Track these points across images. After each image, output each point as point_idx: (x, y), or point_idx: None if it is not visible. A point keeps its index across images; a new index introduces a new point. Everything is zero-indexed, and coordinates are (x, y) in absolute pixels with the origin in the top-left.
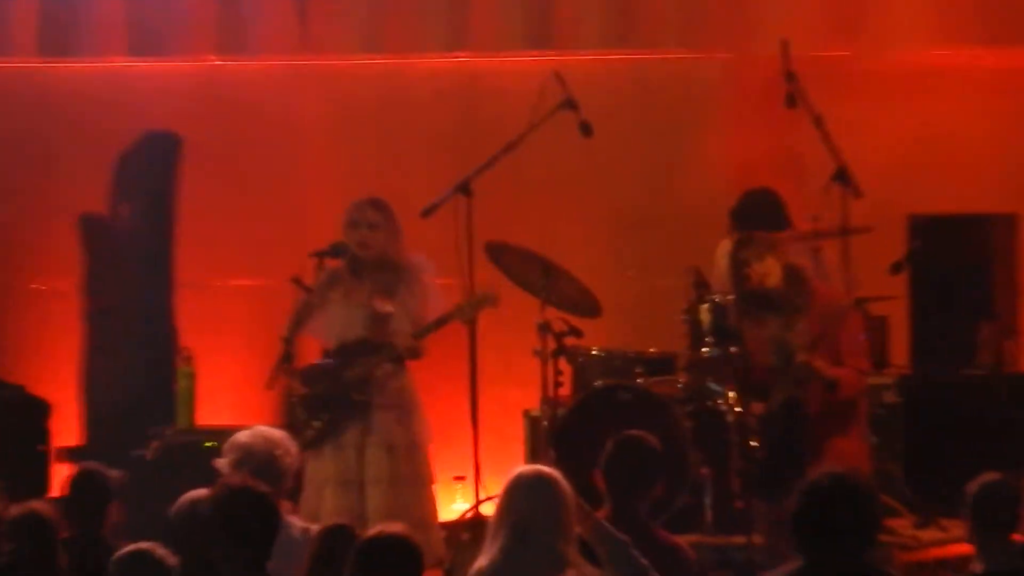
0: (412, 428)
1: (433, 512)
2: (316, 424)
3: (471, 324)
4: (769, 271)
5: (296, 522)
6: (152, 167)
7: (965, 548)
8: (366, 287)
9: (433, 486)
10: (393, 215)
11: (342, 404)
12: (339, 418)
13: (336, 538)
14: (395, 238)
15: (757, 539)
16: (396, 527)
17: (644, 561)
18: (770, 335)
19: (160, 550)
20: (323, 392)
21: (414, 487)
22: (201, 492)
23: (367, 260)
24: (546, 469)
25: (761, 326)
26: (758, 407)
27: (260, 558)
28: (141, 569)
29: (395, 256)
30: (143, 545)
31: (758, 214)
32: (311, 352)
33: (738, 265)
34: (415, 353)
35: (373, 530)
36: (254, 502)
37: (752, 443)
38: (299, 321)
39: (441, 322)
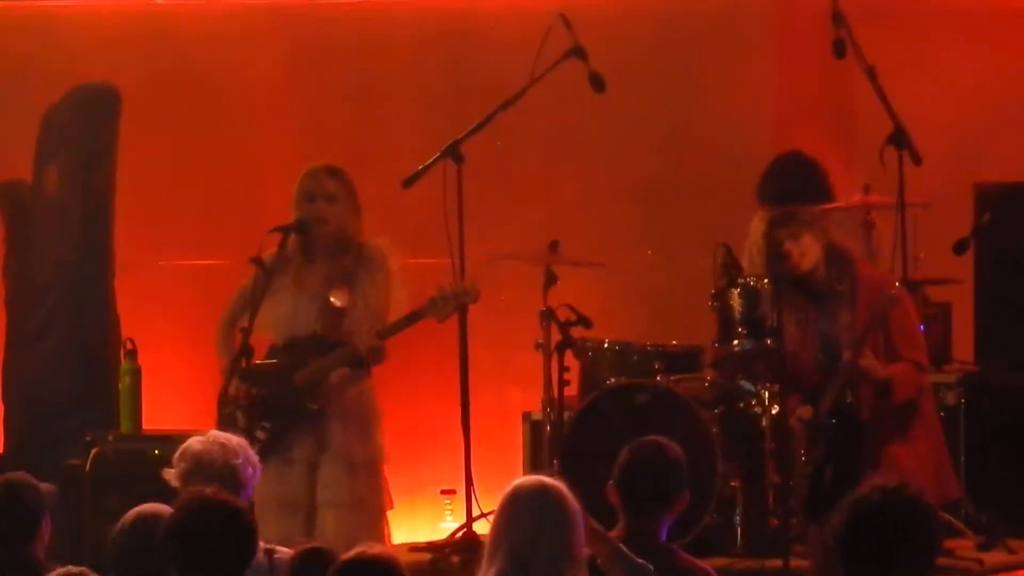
0: (371, 443)
1: (386, 541)
2: (259, 435)
3: (444, 321)
4: (806, 251)
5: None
6: (84, 126)
7: None
8: (319, 273)
9: (386, 511)
10: (353, 186)
11: (290, 412)
12: (286, 428)
13: (314, 563)
14: (355, 214)
15: (797, 563)
16: (378, 548)
17: None
18: (816, 329)
19: (93, 574)
20: (268, 397)
21: (372, 511)
22: (150, 507)
23: (322, 239)
24: (550, 481)
25: (802, 317)
26: (803, 411)
27: None
28: None
29: (355, 236)
30: (72, 570)
31: (788, 185)
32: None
33: (772, 245)
34: (377, 356)
35: (353, 551)
36: (228, 519)
37: (796, 454)
38: (256, 309)
39: (411, 319)
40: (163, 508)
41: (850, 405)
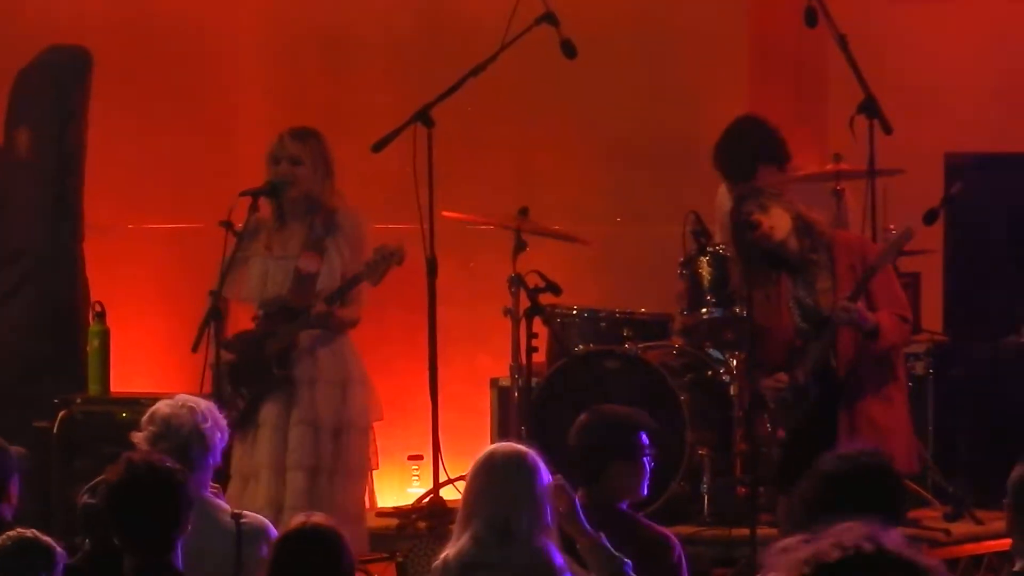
0: (351, 406)
1: (360, 504)
2: (239, 403)
3: (377, 284)
4: (776, 222)
5: (224, 507)
6: (56, 88)
7: (1004, 544)
8: (291, 237)
9: (368, 475)
10: (322, 148)
11: (261, 380)
12: (260, 396)
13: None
14: (324, 176)
15: (765, 532)
16: (318, 517)
17: None
18: (793, 297)
19: (44, 537)
20: (245, 364)
21: (343, 475)
22: None
23: (291, 202)
24: (525, 448)
25: (772, 290)
26: (779, 378)
27: (162, 547)
28: (21, 560)
29: (324, 199)
30: (25, 532)
31: (744, 149)
32: (246, 310)
33: (741, 226)
34: (324, 321)
35: (295, 522)
36: (157, 481)
37: (767, 422)
38: (225, 274)
39: (351, 283)
40: None
41: (831, 367)
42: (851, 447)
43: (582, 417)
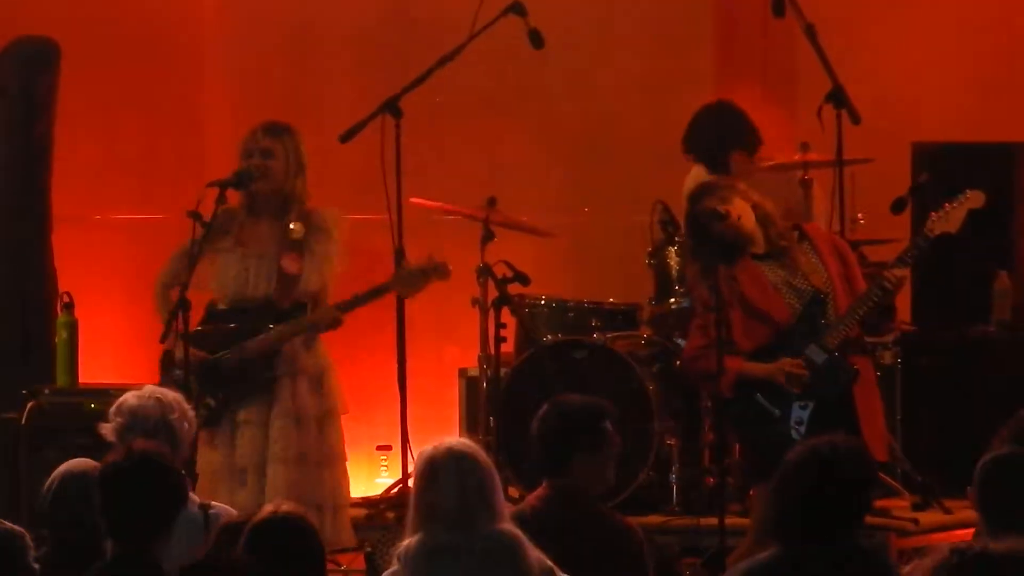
0: (324, 395)
1: (344, 493)
2: (209, 402)
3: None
4: (742, 212)
5: (193, 498)
6: (23, 79)
7: (972, 533)
8: (264, 233)
9: (346, 463)
10: (295, 144)
11: (242, 380)
12: (239, 395)
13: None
14: (296, 172)
15: (733, 522)
16: (288, 506)
17: None
18: (782, 281)
19: (8, 525)
20: (219, 364)
21: (324, 464)
22: (78, 463)
23: (262, 195)
24: (457, 444)
25: (732, 283)
26: (787, 367)
27: (147, 539)
28: None
29: (296, 195)
30: None
31: (715, 134)
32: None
33: (707, 216)
34: (337, 326)
35: (264, 512)
36: (154, 472)
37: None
38: (193, 264)
39: (375, 294)
40: (90, 463)
41: (844, 362)
42: (821, 437)
43: (543, 409)
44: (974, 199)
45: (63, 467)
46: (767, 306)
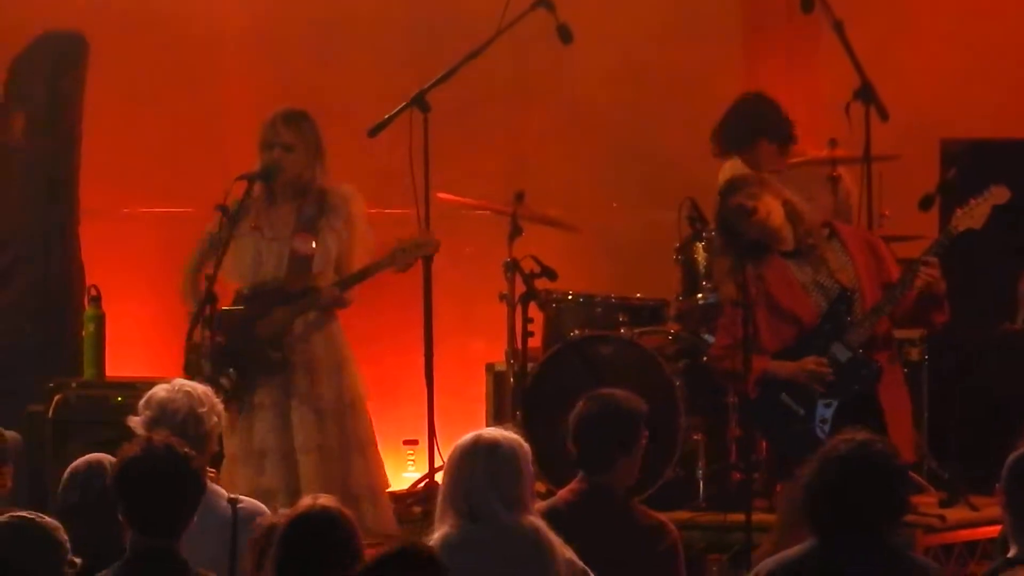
0: (344, 386)
1: (380, 479)
2: (223, 382)
3: (405, 271)
4: (771, 209)
5: (221, 492)
6: (52, 74)
7: (998, 530)
8: (281, 217)
9: (377, 448)
10: (313, 131)
11: (253, 361)
12: (250, 377)
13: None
14: (316, 159)
15: (759, 518)
16: (325, 499)
17: None
18: (810, 280)
19: (46, 519)
20: (231, 345)
21: (353, 453)
22: (94, 457)
23: (283, 186)
24: (487, 433)
25: (778, 272)
26: (810, 365)
27: (168, 532)
28: (22, 543)
29: (315, 181)
30: (24, 513)
31: (744, 121)
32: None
33: (735, 213)
34: (341, 304)
35: (301, 505)
36: (173, 464)
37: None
38: (221, 255)
39: (371, 271)
40: (105, 457)
41: (866, 358)
42: (854, 433)
43: (589, 408)
44: (998, 195)
45: (81, 460)
46: (793, 306)
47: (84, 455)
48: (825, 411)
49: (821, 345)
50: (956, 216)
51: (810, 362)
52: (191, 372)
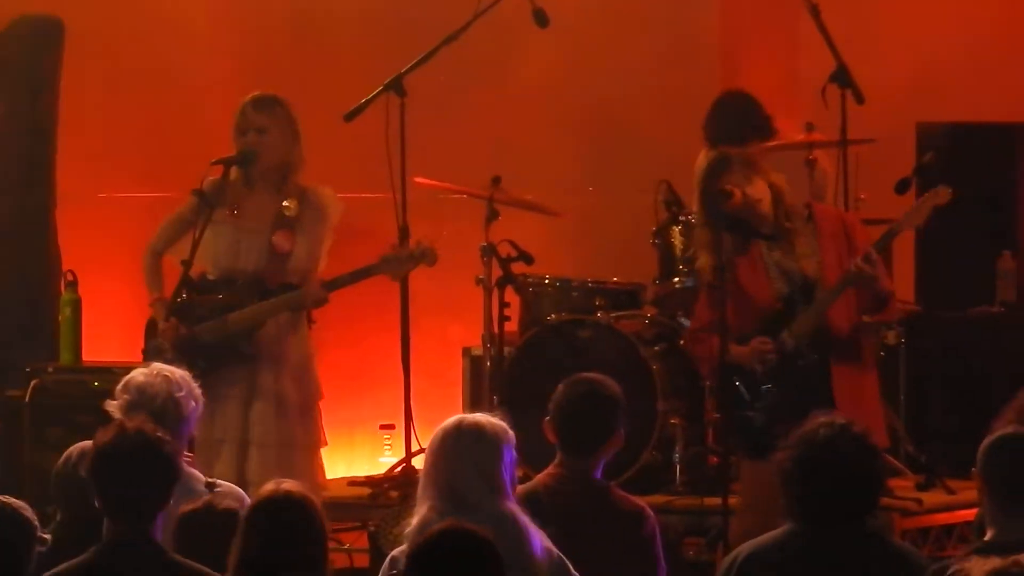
0: (306, 384)
1: (320, 480)
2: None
3: (398, 279)
4: (761, 195)
5: (198, 476)
6: (28, 57)
7: (975, 513)
8: (259, 207)
9: (321, 450)
10: (287, 114)
11: (222, 352)
12: (217, 367)
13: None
14: (292, 142)
15: (736, 501)
16: (289, 484)
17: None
18: (773, 263)
19: (17, 503)
20: (200, 336)
21: (305, 451)
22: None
23: (261, 171)
24: (469, 418)
25: (745, 256)
26: (755, 344)
27: (144, 517)
28: None
29: (294, 166)
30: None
31: (735, 124)
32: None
33: (714, 196)
34: (322, 305)
35: (266, 490)
36: (146, 449)
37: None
38: (194, 242)
39: (361, 275)
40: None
41: (823, 333)
42: (832, 417)
43: (570, 392)
44: (940, 195)
45: (77, 446)
46: (753, 288)
47: (61, 439)
48: (767, 395)
49: (775, 331)
50: (901, 217)
51: (756, 341)
52: (150, 357)
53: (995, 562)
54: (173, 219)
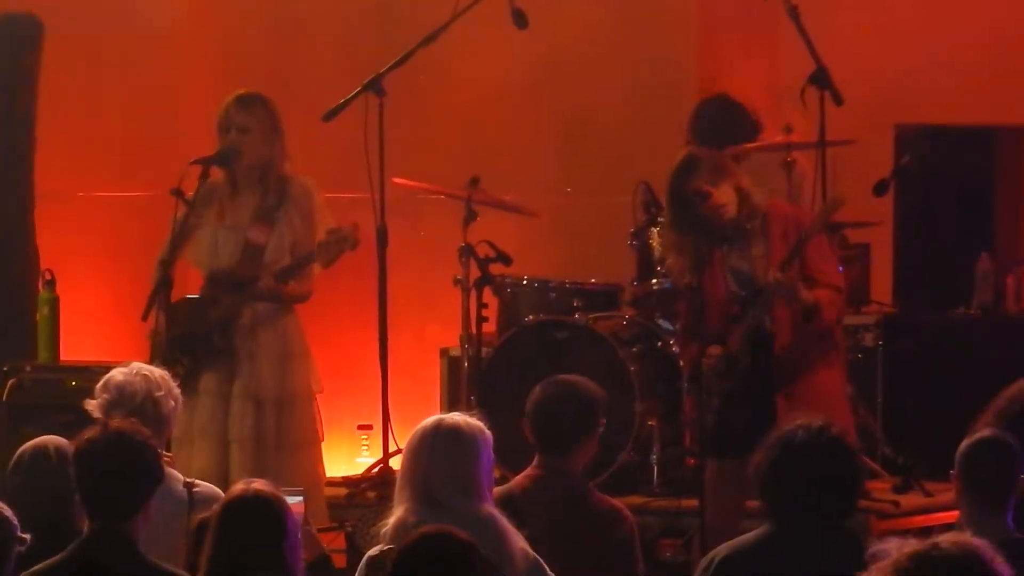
0: (293, 379)
1: (317, 477)
2: (178, 370)
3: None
4: (727, 200)
5: (177, 475)
6: (6, 55)
7: (953, 516)
8: (243, 206)
9: (320, 445)
10: (270, 113)
11: (202, 348)
12: (200, 364)
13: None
14: (274, 141)
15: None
16: (259, 484)
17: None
18: (726, 265)
19: None
20: (186, 332)
21: (290, 448)
22: (47, 440)
23: (244, 170)
24: (448, 419)
25: (712, 257)
26: (715, 350)
27: (122, 516)
28: None
29: (277, 164)
30: None
31: (719, 129)
32: (196, 278)
33: (689, 197)
34: (276, 297)
35: (235, 490)
36: (129, 449)
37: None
38: (177, 242)
39: (301, 263)
40: (51, 440)
41: (765, 333)
42: (808, 418)
43: (547, 393)
44: (838, 203)
45: (30, 444)
46: (712, 292)
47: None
48: (717, 401)
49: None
50: (810, 224)
51: (710, 350)
52: (156, 360)
53: (913, 544)
54: (174, 227)
